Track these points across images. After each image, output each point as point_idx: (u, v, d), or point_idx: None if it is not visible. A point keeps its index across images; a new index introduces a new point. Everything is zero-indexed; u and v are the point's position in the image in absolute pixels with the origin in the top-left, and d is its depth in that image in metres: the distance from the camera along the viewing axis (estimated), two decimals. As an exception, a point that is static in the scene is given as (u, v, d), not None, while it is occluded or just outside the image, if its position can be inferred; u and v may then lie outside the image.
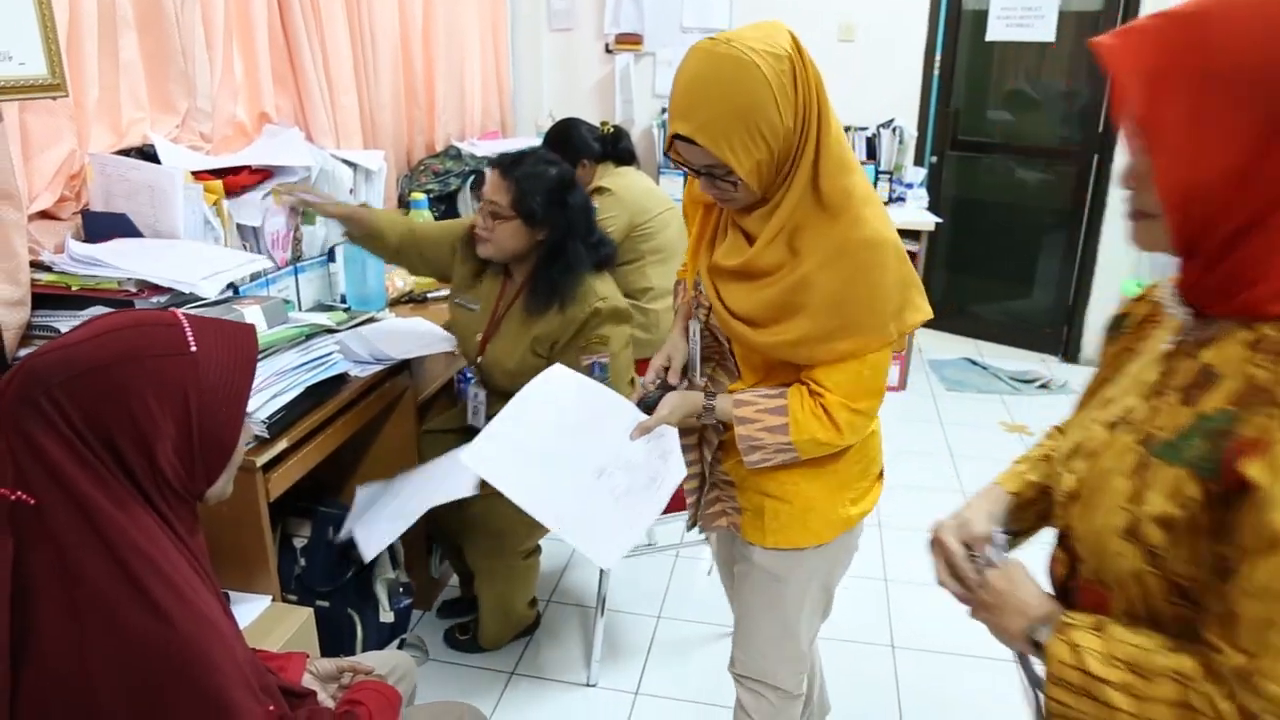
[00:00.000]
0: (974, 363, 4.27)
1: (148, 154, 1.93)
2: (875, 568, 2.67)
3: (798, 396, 1.31)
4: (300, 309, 2.24)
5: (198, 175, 1.91)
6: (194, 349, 0.95)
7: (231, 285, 1.93)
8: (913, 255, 2.52)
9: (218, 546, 1.61)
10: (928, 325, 1.38)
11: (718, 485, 1.48)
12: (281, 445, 1.57)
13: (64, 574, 0.86)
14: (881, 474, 1.51)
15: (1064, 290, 4.35)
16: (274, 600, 1.61)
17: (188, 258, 1.69)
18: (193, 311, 1.02)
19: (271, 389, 1.53)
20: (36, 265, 1.64)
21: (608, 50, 4.37)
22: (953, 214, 4.55)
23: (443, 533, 2.30)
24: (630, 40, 4.33)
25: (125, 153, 1.91)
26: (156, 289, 1.58)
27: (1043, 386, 4.00)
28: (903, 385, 3.94)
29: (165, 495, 0.94)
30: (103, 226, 1.82)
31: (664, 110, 4.34)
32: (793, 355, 1.31)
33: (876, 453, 1.48)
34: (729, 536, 1.56)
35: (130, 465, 0.91)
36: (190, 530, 0.99)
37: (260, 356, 1.54)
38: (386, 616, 2.12)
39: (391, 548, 2.14)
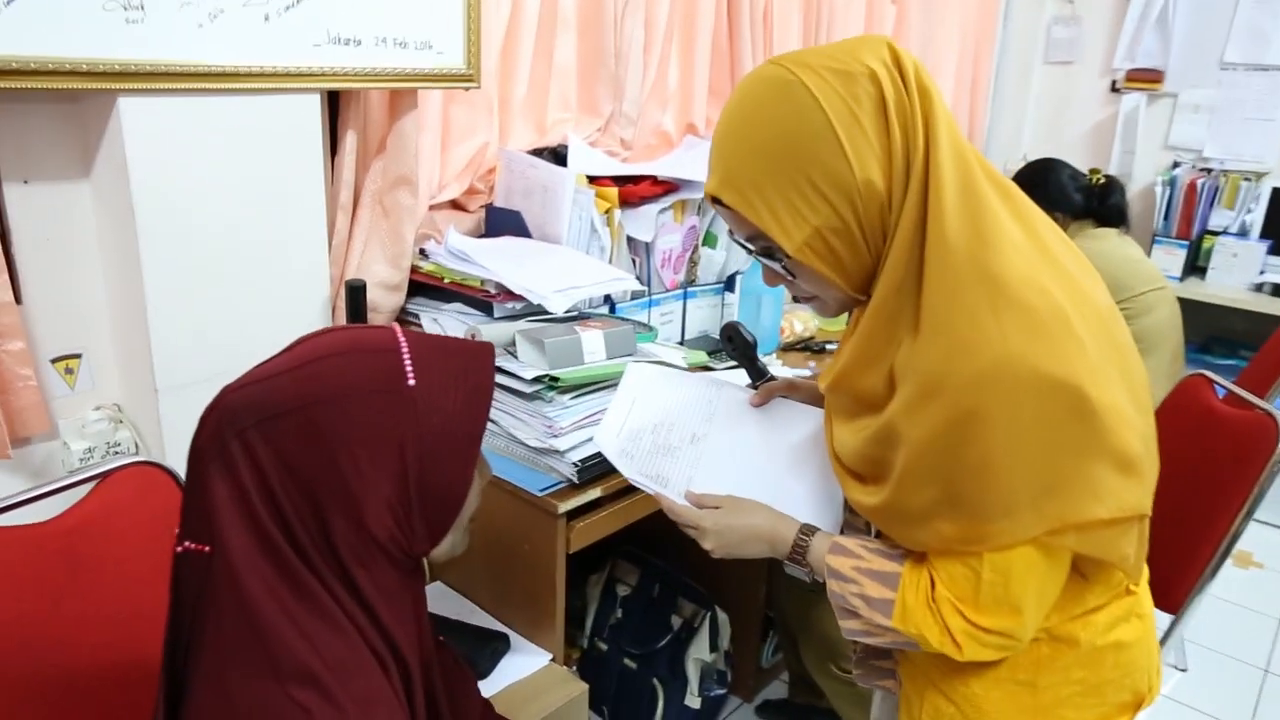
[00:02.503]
0: None
1: (560, 154, 1.87)
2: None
3: (914, 574, 0.88)
4: (678, 340, 2.05)
5: (597, 180, 1.80)
6: (412, 382, 0.74)
7: (609, 301, 1.80)
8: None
9: (511, 581, 1.47)
10: None
11: None
12: (593, 494, 1.36)
13: (209, 638, 0.70)
14: (1141, 702, 0.95)
15: None
16: (554, 661, 1.41)
17: (555, 266, 1.57)
18: (425, 333, 0.82)
19: (592, 428, 1.32)
20: (422, 253, 1.63)
21: (1114, 88, 3.64)
22: None
23: (783, 620, 1.97)
24: (1146, 78, 3.55)
25: (539, 152, 1.87)
26: (511, 294, 1.46)
27: None
28: None
29: (366, 559, 0.74)
30: (498, 222, 1.79)
31: (1175, 164, 3.49)
32: (886, 529, 0.91)
33: (1129, 668, 0.92)
34: (893, 703, 1.07)
35: (328, 522, 0.72)
36: (390, 597, 0.77)
37: (586, 390, 1.35)
38: (693, 701, 1.84)
39: (715, 626, 1.86)
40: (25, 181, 1.23)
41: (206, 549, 0.71)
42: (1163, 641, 1.78)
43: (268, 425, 0.71)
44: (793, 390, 1.17)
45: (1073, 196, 2.30)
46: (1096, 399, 0.77)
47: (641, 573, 1.92)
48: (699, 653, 1.82)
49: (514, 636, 1.44)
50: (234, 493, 0.70)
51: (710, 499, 1.02)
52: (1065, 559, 0.83)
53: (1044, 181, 2.33)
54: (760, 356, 1.26)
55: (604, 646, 1.89)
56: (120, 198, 1.22)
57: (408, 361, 0.75)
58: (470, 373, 0.78)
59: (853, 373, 0.88)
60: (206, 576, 0.71)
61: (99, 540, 1.02)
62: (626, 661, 1.86)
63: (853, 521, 1.04)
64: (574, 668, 1.88)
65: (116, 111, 1.17)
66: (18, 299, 1.24)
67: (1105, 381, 0.78)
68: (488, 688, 1.32)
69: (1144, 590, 0.97)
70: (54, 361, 1.31)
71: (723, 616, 1.88)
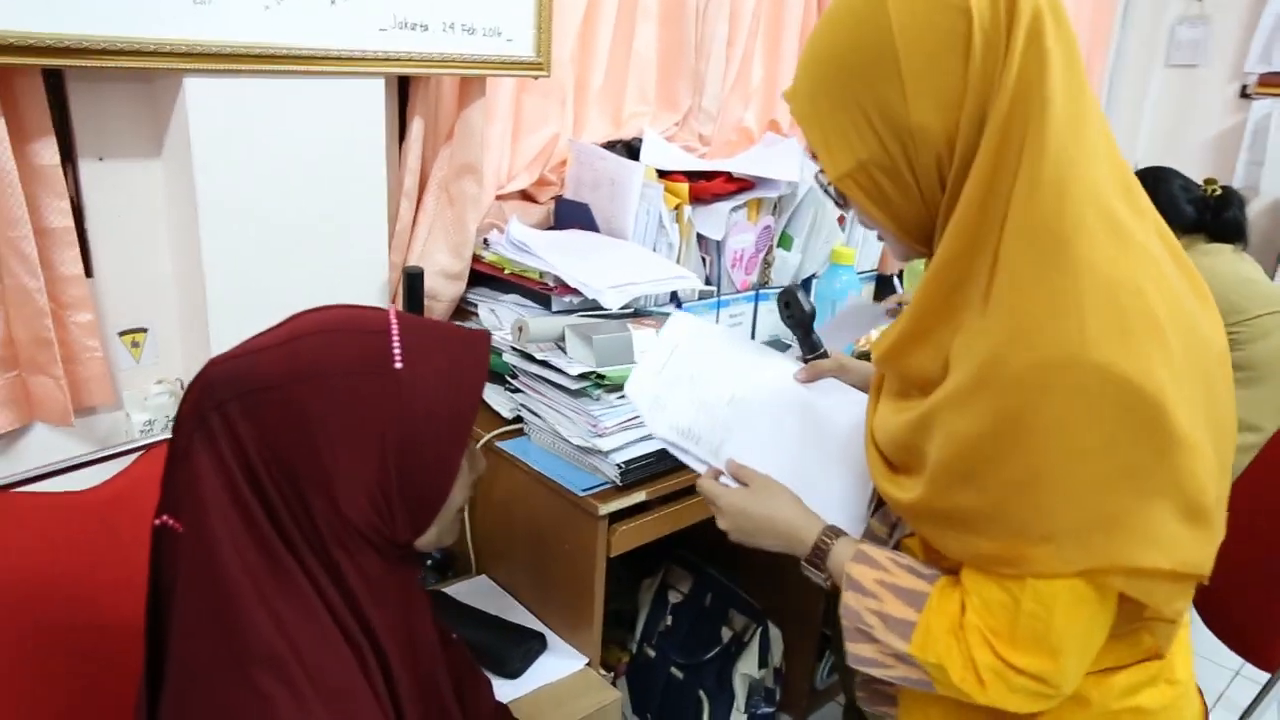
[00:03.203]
0: None
1: (633, 148, 1.83)
2: None
3: (943, 597, 0.78)
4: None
5: (669, 175, 1.76)
6: (399, 366, 0.72)
7: (675, 299, 1.76)
8: None
9: (552, 581, 1.44)
10: None
11: None
12: (637, 497, 1.31)
13: (180, 615, 0.69)
14: None
15: None
16: (589, 666, 1.38)
17: (615, 261, 1.53)
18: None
19: (639, 429, 1.28)
20: (485, 243, 1.62)
21: (1244, 94, 3.38)
22: None
23: (839, 641, 1.88)
24: (1281, 83, 3.29)
25: (612, 145, 1.83)
26: (568, 288, 1.43)
27: None
28: None
29: (347, 542, 0.72)
30: (567, 214, 1.77)
31: (1311, 179, 3.22)
32: (920, 530, 0.82)
33: None
34: None
35: (308, 503, 0.70)
36: (373, 584, 0.74)
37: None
38: (739, 717, 1.78)
39: (766, 642, 1.79)
40: (100, 159, 1.26)
41: (180, 525, 0.70)
42: (1256, 700, 1.63)
43: (248, 399, 0.70)
44: (843, 372, 1.08)
45: (1184, 208, 2.13)
46: (1179, 425, 0.66)
47: (695, 580, 1.86)
48: (747, 668, 1.76)
49: (552, 637, 1.41)
50: (214, 466, 0.69)
51: (746, 473, 0.96)
52: (1114, 601, 0.73)
53: (1152, 190, 2.12)
54: (817, 330, 1.18)
55: (652, 653, 1.85)
56: (184, 176, 1.24)
57: (396, 344, 0.72)
58: (463, 360, 0.75)
59: (904, 346, 0.78)
60: (182, 551, 0.69)
61: (138, 510, 1.03)
62: (674, 670, 1.81)
63: (874, 531, 0.95)
64: (618, 673, 1.85)
65: (183, 91, 1.19)
66: (89, 272, 1.27)
67: (1192, 412, 0.68)
68: (519, 687, 1.30)
69: (1180, 654, 0.85)
70: (121, 334, 1.34)
71: (775, 632, 1.82)
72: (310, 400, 0.69)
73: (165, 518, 0.71)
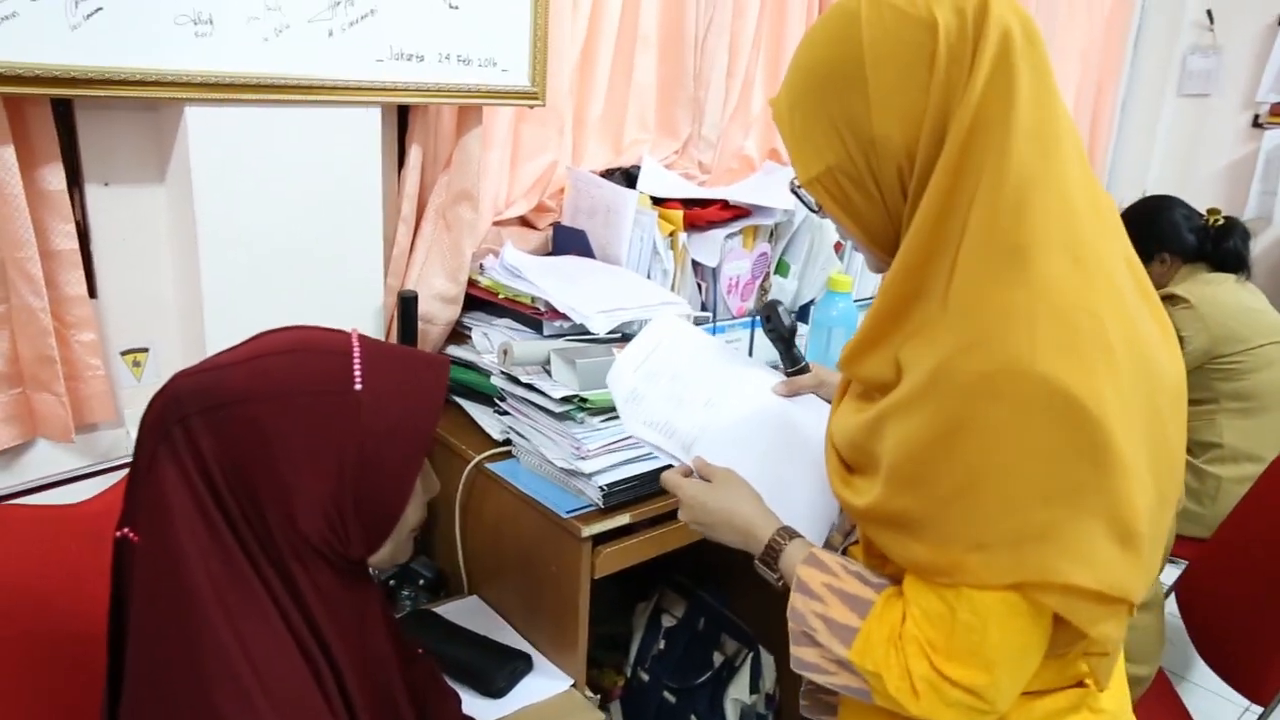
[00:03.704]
0: None
1: (631, 175, 1.87)
2: None
3: (886, 606, 0.78)
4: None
5: (664, 203, 1.78)
6: (359, 387, 0.74)
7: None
8: None
9: (539, 602, 1.45)
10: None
11: None
12: (621, 520, 1.33)
13: (137, 626, 0.71)
14: None
15: None
16: (574, 687, 1.39)
17: (606, 286, 1.56)
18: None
19: (623, 452, 1.30)
20: (481, 268, 1.65)
21: (1256, 123, 3.37)
22: None
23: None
24: (1295, 113, 3.28)
25: (611, 172, 1.87)
26: (558, 313, 1.46)
27: None
28: None
29: (303, 556, 0.74)
30: (564, 241, 1.80)
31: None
32: (865, 531, 0.83)
33: None
34: None
35: (266, 517, 0.72)
36: (327, 599, 0.77)
37: (618, 414, 1.33)
38: (731, 743, 1.78)
39: (758, 667, 1.79)
40: (106, 184, 1.31)
41: (138, 538, 0.72)
42: (1254, 735, 1.61)
43: (210, 414, 0.72)
44: (822, 387, 1.10)
45: (1185, 237, 2.14)
46: (1119, 446, 0.67)
47: (688, 605, 1.87)
48: (739, 693, 1.76)
49: (539, 658, 1.42)
50: (179, 478, 0.71)
51: (709, 469, 0.97)
52: (1048, 620, 0.73)
53: (1154, 219, 2.18)
54: (798, 345, 1.20)
55: (645, 677, 1.85)
56: (185, 201, 1.29)
57: (358, 366, 0.75)
58: (421, 385, 0.78)
59: (862, 352, 0.80)
60: (140, 562, 0.72)
61: (125, 526, 1.07)
62: (666, 694, 1.81)
63: (830, 539, 0.96)
64: (613, 697, 1.85)
65: (184, 120, 1.24)
66: (93, 293, 1.32)
67: (1134, 438, 0.69)
68: (503, 707, 1.31)
69: (1114, 686, 0.84)
70: (123, 354, 1.38)
71: (768, 658, 1.81)
72: (271, 417, 0.72)
73: (125, 530, 0.73)
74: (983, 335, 0.69)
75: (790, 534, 0.90)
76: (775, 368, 1.21)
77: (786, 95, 0.82)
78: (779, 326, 1.18)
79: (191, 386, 0.74)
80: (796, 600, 0.83)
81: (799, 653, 0.83)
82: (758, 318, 1.19)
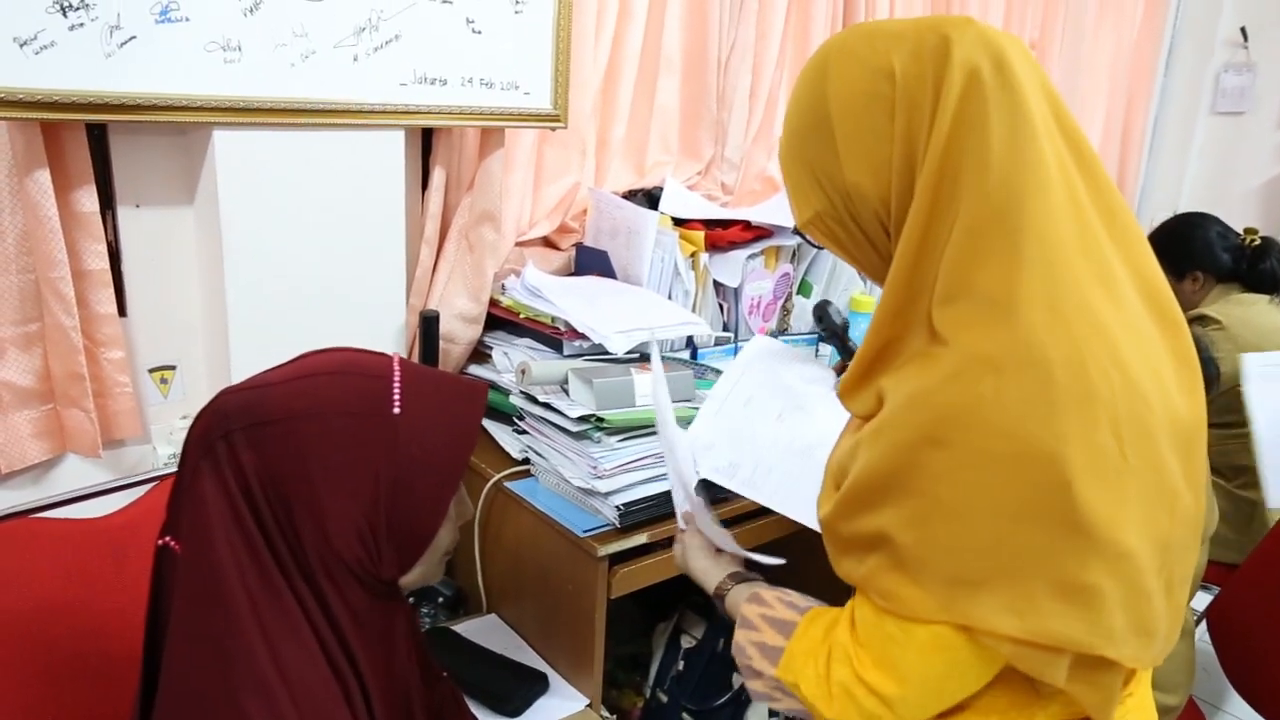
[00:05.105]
0: None
1: (654, 196, 1.88)
2: None
3: (809, 622, 0.83)
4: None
5: (686, 224, 1.79)
6: (397, 411, 0.76)
7: (691, 345, 1.78)
8: None
9: (556, 621, 1.45)
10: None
11: None
12: (638, 539, 1.33)
13: (175, 632, 0.73)
14: None
15: None
16: (590, 707, 1.38)
17: (626, 306, 1.56)
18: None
19: (640, 472, 1.30)
20: (504, 289, 1.67)
21: (1292, 142, 3.32)
22: None
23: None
24: (1334, 132, 3.22)
25: (633, 193, 1.88)
26: (577, 333, 1.47)
27: None
28: None
29: (336, 574, 0.76)
30: (586, 261, 1.81)
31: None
32: (826, 544, 0.82)
33: None
34: None
35: (301, 534, 0.74)
36: (358, 618, 0.78)
37: (635, 433, 1.33)
38: (751, 767, 1.76)
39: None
40: (137, 205, 1.34)
41: (180, 547, 0.74)
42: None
43: (253, 431, 0.74)
44: None
45: (1219, 256, 2.10)
46: (1082, 501, 0.64)
47: (708, 626, 1.86)
48: (758, 715, 1.74)
49: (555, 678, 1.42)
50: (219, 491, 0.73)
51: (687, 517, 1.06)
52: (991, 660, 0.72)
53: (1188, 236, 2.15)
54: (853, 339, 1.28)
55: (665, 698, 1.84)
56: (212, 222, 1.32)
57: (397, 390, 0.76)
58: (459, 410, 0.79)
59: (851, 387, 0.80)
60: (181, 571, 0.73)
61: (145, 539, 1.08)
62: (685, 716, 1.80)
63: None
64: (632, 718, 1.84)
65: (212, 143, 1.27)
66: (122, 312, 1.35)
67: (1110, 485, 0.66)
68: (517, 727, 1.31)
69: (1141, 717, 0.82)
70: (151, 371, 1.41)
71: (788, 681, 1.80)
72: (311, 437, 0.74)
73: (167, 539, 0.75)
74: (953, 378, 0.69)
75: (739, 578, 0.96)
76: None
77: (781, 142, 0.85)
78: (830, 325, 1.25)
79: (237, 403, 0.76)
80: (739, 635, 0.88)
81: (750, 686, 0.86)
82: (812, 317, 1.30)
